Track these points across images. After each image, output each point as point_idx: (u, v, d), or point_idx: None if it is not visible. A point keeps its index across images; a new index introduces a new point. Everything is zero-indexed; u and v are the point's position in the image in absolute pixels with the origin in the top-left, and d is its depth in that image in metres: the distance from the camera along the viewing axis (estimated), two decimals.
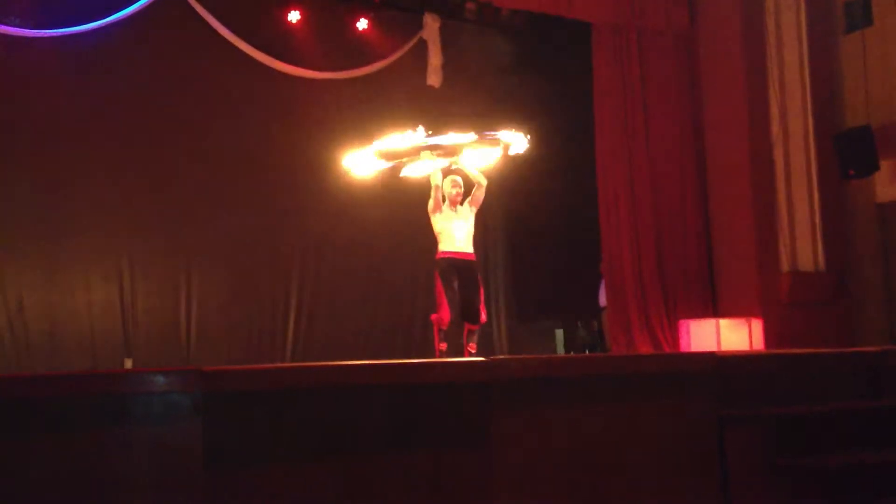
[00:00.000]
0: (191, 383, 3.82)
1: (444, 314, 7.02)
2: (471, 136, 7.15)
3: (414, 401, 4.25)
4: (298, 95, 10.51)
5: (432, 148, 7.17)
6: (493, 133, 7.26)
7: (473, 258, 7.25)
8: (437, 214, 7.21)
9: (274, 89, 10.37)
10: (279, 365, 7.45)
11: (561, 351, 11.60)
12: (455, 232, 7.17)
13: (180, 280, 9.84)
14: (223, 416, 3.87)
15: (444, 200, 7.24)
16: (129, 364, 9.25)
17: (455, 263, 7.13)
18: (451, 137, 7.15)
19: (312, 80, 10.54)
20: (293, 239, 10.44)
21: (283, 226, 10.36)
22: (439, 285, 7.10)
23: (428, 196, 7.30)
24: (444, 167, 7.28)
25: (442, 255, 7.17)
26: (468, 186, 7.35)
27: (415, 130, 7.15)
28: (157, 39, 9.84)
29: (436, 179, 7.24)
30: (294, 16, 10.53)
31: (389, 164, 7.56)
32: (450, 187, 7.24)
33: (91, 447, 3.67)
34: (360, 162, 7.57)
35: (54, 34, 9.12)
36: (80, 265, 9.39)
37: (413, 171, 7.56)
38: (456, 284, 7.10)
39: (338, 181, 9.90)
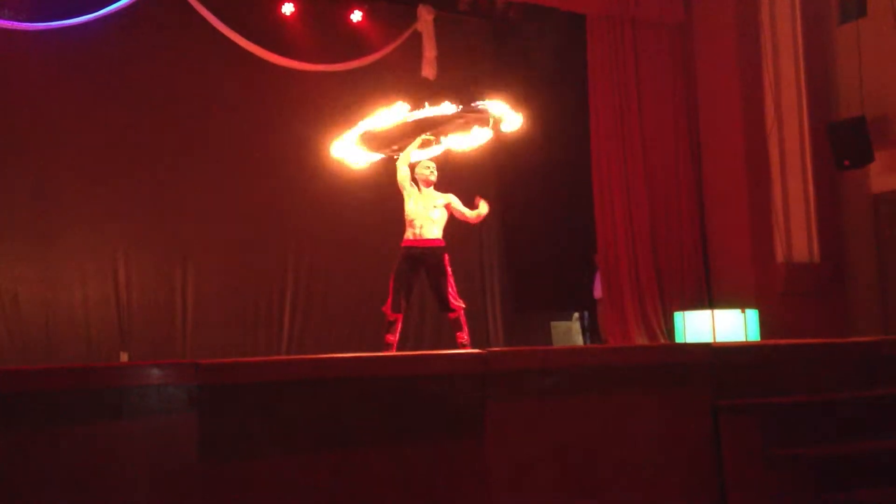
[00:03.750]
0: (186, 376, 3.82)
1: (387, 308, 6.96)
2: (453, 108, 7.10)
3: (409, 393, 4.25)
4: (293, 88, 10.49)
5: (427, 129, 7.19)
6: (479, 105, 7.19)
7: (436, 244, 7.04)
8: (409, 201, 7.09)
9: (268, 82, 10.35)
10: (275, 357, 7.45)
11: (557, 342, 11.62)
12: (418, 219, 7.02)
13: (175, 273, 9.84)
14: (219, 408, 3.88)
15: (415, 183, 7.18)
16: (124, 357, 9.26)
17: (413, 254, 6.99)
18: (435, 109, 7.10)
19: (307, 73, 10.52)
20: (289, 231, 10.44)
21: (278, 218, 10.35)
22: (391, 276, 7.03)
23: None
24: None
25: (403, 245, 7.08)
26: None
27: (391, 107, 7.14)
28: (150, 32, 9.82)
29: (401, 172, 7.15)
30: (288, 8, 10.50)
31: (381, 154, 7.59)
32: (423, 168, 7.15)
33: (87, 440, 3.67)
34: (350, 151, 7.56)
35: (47, 27, 9.09)
36: (75, 259, 9.39)
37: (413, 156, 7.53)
38: (415, 275, 7.03)
39: (333, 173, 9.92)
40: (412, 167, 7.23)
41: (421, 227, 7.02)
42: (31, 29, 9.04)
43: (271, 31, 10.40)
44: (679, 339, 9.95)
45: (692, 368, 4.95)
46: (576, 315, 12.03)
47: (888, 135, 9.68)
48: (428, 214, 7.04)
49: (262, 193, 10.27)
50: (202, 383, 3.83)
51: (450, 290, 6.96)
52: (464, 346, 6.93)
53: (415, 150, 7.34)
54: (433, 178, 7.16)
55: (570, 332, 11.76)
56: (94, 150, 9.51)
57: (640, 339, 10.13)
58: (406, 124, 7.21)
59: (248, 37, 10.10)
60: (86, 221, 9.42)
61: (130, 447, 3.73)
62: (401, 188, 7.13)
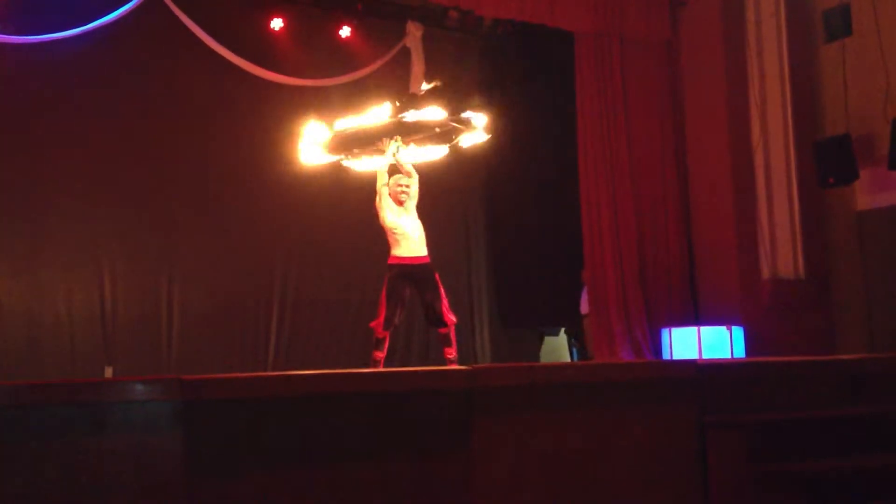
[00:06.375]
0: (171, 392, 3.80)
1: (379, 323, 6.82)
2: (441, 113, 7.06)
3: (396, 409, 4.24)
4: (281, 103, 10.47)
5: (401, 133, 7.05)
6: (465, 115, 7.12)
7: (427, 260, 6.99)
8: (388, 213, 6.95)
9: (257, 97, 10.35)
10: (260, 374, 7.43)
11: (547, 358, 11.67)
12: (407, 233, 6.92)
13: (161, 288, 9.79)
14: (204, 424, 3.85)
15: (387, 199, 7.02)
16: (109, 372, 9.20)
17: (406, 271, 6.89)
18: (420, 114, 7.02)
19: (295, 88, 10.52)
20: (275, 246, 10.41)
21: (265, 233, 10.33)
22: (384, 293, 6.87)
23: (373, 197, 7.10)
24: (390, 164, 7.04)
25: (393, 262, 6.95)
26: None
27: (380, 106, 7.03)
28: (140, 47, 9.81)
29: (382, 179, 6.96)
30: (277, 23, 10.52)
31: (340, 156, 7.43)
32: (395, 185, 6.96)
33: (71, 456, 3.64)
34: (315, 149, 7.36)
35: (35, 40, 9.07)
36: (60, 272, 9.33)
37: (358, 165, 7.48)
38: (407, 292, 6.92)
39: (321, 188, 9.91)
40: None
41: (411, 244, 6.94)
42: (18, 42, 9.01)
43: (260, 46, 10.41)
44: (665, 356, 9.97)
45: (679, 385, 4.95)
46: (563, 330, 12.07)
47: (873, 152, 9.74)
48: (413, 230, 6.96)
49: (248, 208, 10.24)
50: (187, 399, 3.81)
51: (444, 304, 6.93)
52: (451, 362, 6.91)
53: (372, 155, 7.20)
54: (403, 198, 6.98)
55: (559, 348, 11.80)
56: (80, 163, 9.47)
57: (627, 356, 10.14)
58: (385, 126, 7.07)
59: (237, 52, 10.10)
60: (71, 235, 9.37)
61: (114, 464, 3.70)
62: (378, 195, 6.98)
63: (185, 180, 10.01)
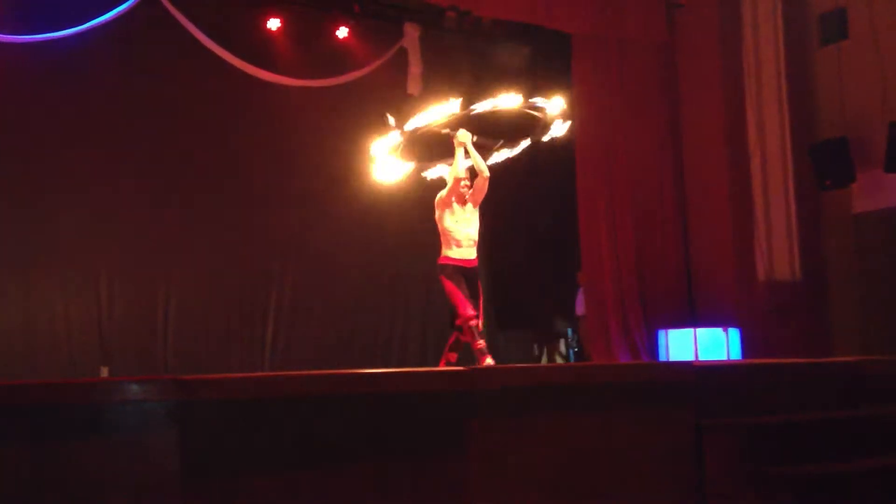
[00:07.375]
0: (167, 392, 3.79)
1: (466, 312, 6.63)
2: (516, 99, 6.92)
3: (395, 410, 4.24)
4: (278, 103, 10.48)
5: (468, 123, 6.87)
6: (540, 102, 7.00)
7: (476, 263, 6.92)
8: (447, 214, 6.82)
9: (253, 97, 10.34)
10: (257, 374, 7.42)
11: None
12: (462, 234, 6.80)
13: (158, 288, 9.78)
14: (200, 425, 3.84)
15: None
16: (105, 373, 9.18)
17: (459, 270, 6.77)
18: (493, 103, 6.87)
19: (292, 88, 10.51)
20: (272, 247, 10.40)
21: (262, 234, 10.32)
22: (450, 286, 6.70)
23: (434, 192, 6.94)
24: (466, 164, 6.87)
25: (446, 262, 6.82)
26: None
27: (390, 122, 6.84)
28: (137, 48, 9.79)
29: (459, 173, 6.79)
30: (274, 23, 10.51)
31: (413, 163, 7.28)
32: (461, 184, 6.82)
33: (67, 457, 3.63)
34: (388, 164, 7.19)
35: (35, 40, 9.05)
36: (56, 273, 9.32)
37: (433, 172, 7.31)
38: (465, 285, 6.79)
39: (317, 188, 9.90)
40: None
41: (464, 247, 6.82)
42: (18, 42, 8.99)
43: (257, 47, 10.39)
44: (662, 357, 9.98)
45: (676, 387, 4.95)
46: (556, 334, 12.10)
47: (869, 155, 9.76)
48: (468, 231, 6.84)
49: (246, 208, 10.23)
50: (183, 400, 3.80)
51: (480, 311, 6.86)
52: (451, 365, 6.90)
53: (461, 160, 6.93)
54: (467, 193, 6.85)
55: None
56: (77, 164, 9.45)
57: (624, 357, 10.15)
58: (456, 121, 6.90)
59: (234, 52, 10.08)
60: (68, 235, 9.35)
61: (110, 465, 3.69)
62: (447, 191, 6.82)
63: (181, 181, 9.99)
